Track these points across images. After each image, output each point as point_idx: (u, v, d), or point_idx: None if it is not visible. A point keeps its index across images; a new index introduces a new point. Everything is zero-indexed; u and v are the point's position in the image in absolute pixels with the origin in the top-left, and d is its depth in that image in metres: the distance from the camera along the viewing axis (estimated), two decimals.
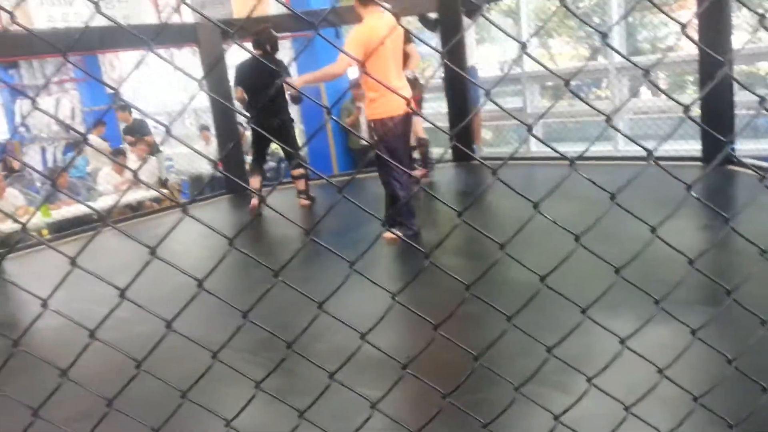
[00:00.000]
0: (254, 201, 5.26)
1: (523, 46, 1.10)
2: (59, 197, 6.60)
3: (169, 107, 10.49)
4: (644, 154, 1.15)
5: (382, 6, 3.82)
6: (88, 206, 1.19)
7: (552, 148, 1.21)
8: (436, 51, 1.19)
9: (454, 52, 5.98)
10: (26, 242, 5.19)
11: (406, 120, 3.99)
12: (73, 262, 0.93)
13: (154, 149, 7.53)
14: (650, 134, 5.95)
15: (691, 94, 6.32)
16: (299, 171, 5.26)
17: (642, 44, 6.61)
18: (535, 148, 6.53)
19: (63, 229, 5.94)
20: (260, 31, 4.94)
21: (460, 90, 6.08)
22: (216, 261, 1.04)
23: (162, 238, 1.01)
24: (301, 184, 5.27)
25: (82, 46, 5.59)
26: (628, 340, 1.20)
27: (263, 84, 4.86)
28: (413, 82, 4.74)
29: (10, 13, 0.95)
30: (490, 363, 1.16)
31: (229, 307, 1.08)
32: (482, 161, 1.28)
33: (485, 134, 7.06)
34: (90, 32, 5.35)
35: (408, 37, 4.55)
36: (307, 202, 5.29)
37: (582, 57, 7.21)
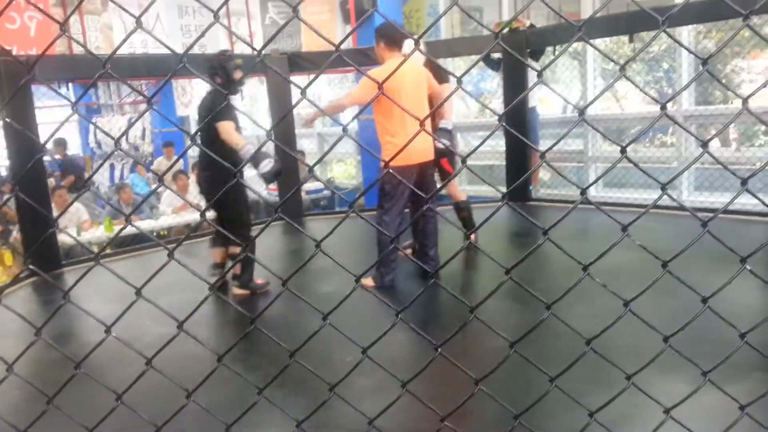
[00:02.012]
0: (212, 279, 3.93)
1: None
2: (123, 213, 6.86)
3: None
4: (711, 205, 1.10)
5: (418, 48, 3.74)
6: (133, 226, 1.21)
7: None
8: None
9: (515, 93, 5.95)
10: (87, 255, 5.38)
11: (421, 172, 3.80)
12: (138, 292, 0.95)
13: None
14: (717, 186, 5.69)
15: (761, 145, 6.04)
16: (235, 249, 3.96)
17: (713, 92, 6.40)
18: (594, 192, 6.36)
19: (124, 244, 6.14)
20: (214, 57, 3.92)
21: (519, 129, 6.02)
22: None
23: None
24: (237, 267, 3.96)
25: (158, 72, 5.87)
26: (674, 406, 1.15)
27: (200, 129, 3.92)
28: (447, 135, 4.04)
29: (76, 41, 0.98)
30: (530, 418, 1.11)
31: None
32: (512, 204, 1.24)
33: (543, 175, 6.93)
34: (167, 59, 5.62)
35: (441, 76, 4.18)
36: (242, 292, 3.97)
37: (650, 101, 7.03)
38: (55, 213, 5.83)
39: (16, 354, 1.14)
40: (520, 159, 6.10)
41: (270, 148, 4.51)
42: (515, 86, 5.98)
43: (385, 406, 1.13)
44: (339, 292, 3.80)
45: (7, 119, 4.56)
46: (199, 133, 3.96)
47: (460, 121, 7.89)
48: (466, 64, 7.89)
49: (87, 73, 5.49)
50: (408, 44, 3.99)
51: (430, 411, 1.12)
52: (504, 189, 6.43)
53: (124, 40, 1.03)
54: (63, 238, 5.59)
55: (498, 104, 6.94)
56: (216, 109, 3.69)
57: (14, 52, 4.97)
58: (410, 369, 1.09)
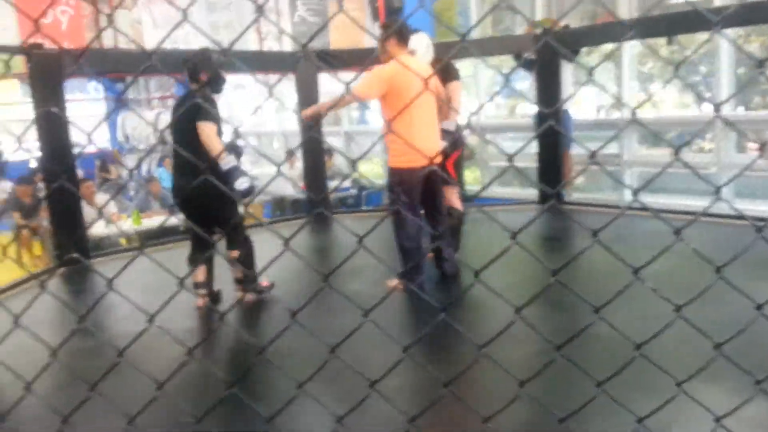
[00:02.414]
0: (199, 302, 3.65)
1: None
2: (150, 206, 6.89)
3: (260, 129, 10.89)
4: (755, 213, 1.06)
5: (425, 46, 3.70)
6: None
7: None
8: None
9: (548, 94, 5.84)
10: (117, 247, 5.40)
11: (431, 173, 3.60)
12: (181, 282, 0.92)
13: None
14: (757, 194, 5.52)
15: None
16: (234, 253, 3.67)
17: (756, 98, 6.22)
18: (629, 197, 6.21)
19: (151, 237, 6.17)
20: (197, 54, 3.60)
21: (551, 131, 5.91)
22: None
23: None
24: (237, 271, 3.72)
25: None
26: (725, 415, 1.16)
27: (180, 129, 3.52)
28: (448, 136, 3.90)
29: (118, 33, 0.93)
30: (574, 423, 1.08)
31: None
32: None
33: (576, 178, 6.80)
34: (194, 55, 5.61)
35: (451, 73, 4.05)
36: (249, 296, 3.76)
37: (687, 105, 6.87)
38: (83, 205, 5.87)
39: (52, 341, 1.11)
40: (552, 161, 5.99)
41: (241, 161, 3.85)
42: (548, 87, 5.88)
43: (425, 406, 1.09)
44: (365, 292, 3.75)
45: (54, 109, 4.60)
46: (179, 136, 3.52)
47: (489, 121, 7.78)
48: (499, 63, 7.79)
49: (117, 67, 5.51)
50: (417, 40, 3.92)
51: (471, 411, 1.09)
52: (534, 192, 6.32)
53: (167, 36, 0.97)
54: (91, 230, 5.62)
55: (527, 106, 6.83)
56: (196, 109, 3.31)
57: (45, 46, 5.00)
58: (448, 369, 1.05)
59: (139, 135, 10.54)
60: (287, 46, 8.22)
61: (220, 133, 3.43)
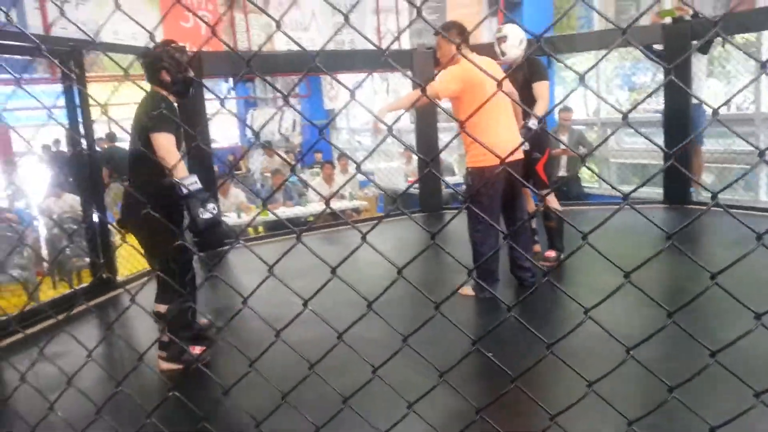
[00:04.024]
0: (195, 349, 3.04)
1: None
2: (276, 198, 7.35)
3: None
4: None
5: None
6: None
7: None
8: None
9: (677, 87, 5.52)
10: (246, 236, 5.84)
11: (514, 170, 3.50)
12: (333, 271, 1.01)
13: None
14: None
15: None
16: (161, 308, 2.90)
17: None
18: (766, 198, 5.75)
19: (277, 228, 6.60)
20: (158, 48, 2.86)
21: (681, 127, 5.59)
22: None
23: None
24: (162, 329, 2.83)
25: (311, 69, 6.19)
26: None
27: (132, 140, 2.90)
28: (540, 135, 3.87)
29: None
30: (644, 426, 1.07)
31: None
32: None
33: (707, 177, 6.38)
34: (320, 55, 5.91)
35: (539, 72, 3.98)
36: (166, 366, 2.94)
37: None
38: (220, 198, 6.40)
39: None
40: (679, 158, 5.66)
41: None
42: (678, 80, 5.56)
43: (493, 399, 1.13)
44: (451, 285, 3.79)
45: (225, 108, 5.04)
46: (134, 146, 2.86)
47: (610, 116, 7.48)
48: (621, 56, 7.47)
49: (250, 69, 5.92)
50: (511, 32, 3.94)
51: (538, 409, 1.11)
52: (660, 191, 6.01)
53: (330, 39, 1.11)
54: (225, 220, 6.12)
55: (653, 101, 6.49)
56: (151, 114, 2.67)
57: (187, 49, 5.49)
58: (514, 367, 1.09)
59: (264, 131, 11.21)
60: (405, 44, 8.38)
61: (180, 145, 2.79)
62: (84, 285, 5.06)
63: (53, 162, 9.31)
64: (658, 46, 5.66)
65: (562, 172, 7.05)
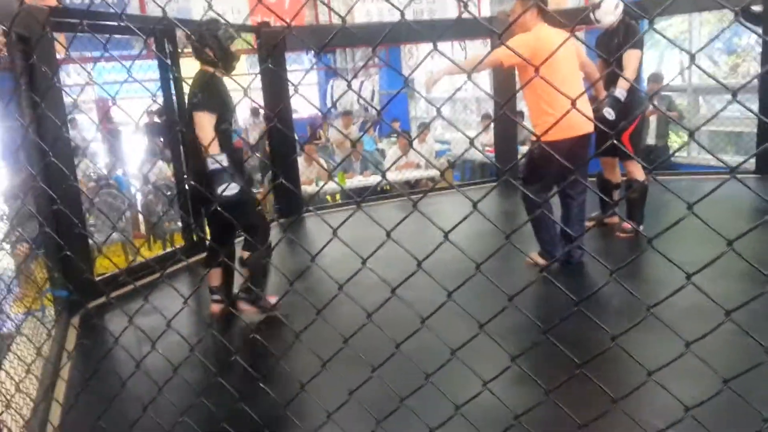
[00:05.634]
0: (214, 307, 3.34)
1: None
2: (353, 168, 7.53)
3: (455, 95, 11.08)
4: None
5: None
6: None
7: None
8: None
9: None
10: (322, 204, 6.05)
11: (583, 143, 3.47)
12: (388, 234, 1.10)
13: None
14: None
15: None
16: (245, 253, 3.19)
17: None
18: None
19: (353, 196, 6.78)
20: (202, 25, 3.00)
21: None
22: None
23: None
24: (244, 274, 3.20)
25: (389, 39, 6.26)
26: None
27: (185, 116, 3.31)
28: (616, 103, 3.80)
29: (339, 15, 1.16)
30: (701, 415, 1.06)
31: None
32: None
33: None
34: (398, 26, 5.95)
35: (630, 41, 3.85)
36: (247, 308, 3.26)
37: None
38: (301, 167, 6.64)
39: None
40: None
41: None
42: None
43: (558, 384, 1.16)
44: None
45: (293, 87, 5.25)
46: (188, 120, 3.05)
47: (702, 82, 7.07)
48: (716, 18, 7.01)
49: (333, 40, 6.04)
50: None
51: (602, 393, 1.13)
52: (753, 160, 5.68)
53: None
54: (305, 189, 6.36)
55: (755, 65, 6.08)
56: (199, 93, 2.91)
57: (271, 23, 5.69)
58: (580, 355, 1.11)
59: (344, 101, 11.41)
60: (486, 11, 8.24)
61: (226, 121, 3.01)
62: (179, 246, 5.46)
63: (150, 131, 9.93)
64: (757, 8, 5.29)
65: (651, 140, 6.78)
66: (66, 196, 3.34)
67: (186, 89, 3.45)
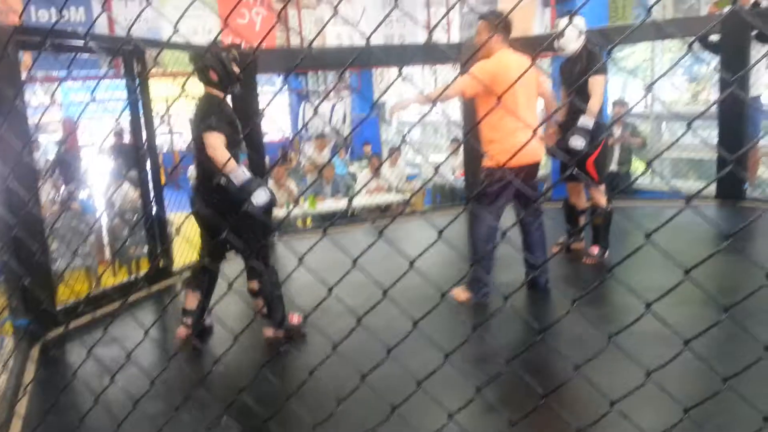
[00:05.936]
0: (181, 330, 3.28)
1: None
2: (323, 191, 7.51)
3: (424, 119, 11.20)
4: None
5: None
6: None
7: None
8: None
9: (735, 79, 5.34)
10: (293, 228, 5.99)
11: (529, 172, 3.43)
12: (354, 262, 1.09)
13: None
14: None
15: None
16: (254, 284, 3.17)
17: None
18: None
19: (324, 219, 6.75)
20: (199, 53, 3.30)
21: (735, 120, 5.42)
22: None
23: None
24: (258, 304, 3.17)
25: (358, 63, 6.30)
26: None
27: (193, 138, 3.42)
28: (584, 134, 3.78)
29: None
30: (701, 414, 1.09)
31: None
32: None
33: (762, 172, 6.15)
34: (366, 51, 6.01)
35: (594, 68, 3.88)
36: (275, 334, 3.13)
37: None
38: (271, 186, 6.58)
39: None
40: (734, 153, 5.48)
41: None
42: (734, 72, 5.38)
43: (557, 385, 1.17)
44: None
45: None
46: (194, 145, 3.22)
47: (664, 109, 7.28)
48: (678, 47, 7.26)
49: (303, 63, 6.06)
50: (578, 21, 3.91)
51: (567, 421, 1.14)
52: (714, 186, 5.84)
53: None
54: (275, 213, 6.30)
55: (714, 92, 6.29)
56: (209, 114, 2.94)
57: (242, 46, 5.69)
58: (546, 383, 1.12)
59: (316, 124, 11.43)
60: (455, 37, 8.38)
61: (235, 141, 3.04)
62: (143, 272, 5.33)
63: (116, 154, 9.75)
64: (714, 37, 5.49)
65: (614, 167, 6.92)
66: (27, 221, 3.24)
67: (155, 110, 3.39)
